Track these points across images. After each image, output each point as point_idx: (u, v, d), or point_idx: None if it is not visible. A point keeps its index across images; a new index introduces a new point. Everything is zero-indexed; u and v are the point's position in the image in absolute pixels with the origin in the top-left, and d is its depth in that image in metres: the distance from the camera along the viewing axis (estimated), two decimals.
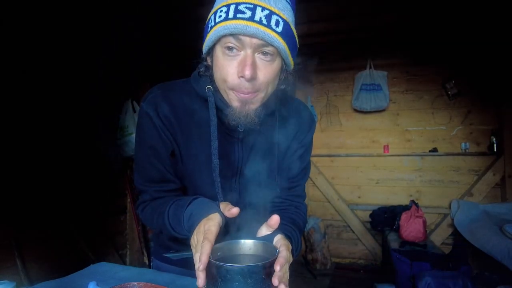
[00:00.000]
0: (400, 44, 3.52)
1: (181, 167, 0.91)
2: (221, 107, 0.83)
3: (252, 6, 0.69)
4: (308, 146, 1.00)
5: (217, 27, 0.71)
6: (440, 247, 3.24)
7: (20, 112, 2.08)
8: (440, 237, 3.49)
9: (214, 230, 0.68)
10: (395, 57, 3.66)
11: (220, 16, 0.71)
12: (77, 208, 2.47)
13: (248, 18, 0.68)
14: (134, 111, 2.90)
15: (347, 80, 3.89)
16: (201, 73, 0.86)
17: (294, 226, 0.89)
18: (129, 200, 3.08)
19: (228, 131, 0.88)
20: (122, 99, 2.91)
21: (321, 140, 4.00)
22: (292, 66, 0.81)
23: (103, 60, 2.67)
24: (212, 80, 0.83)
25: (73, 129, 2.47)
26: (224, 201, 0.80)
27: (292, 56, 0.78)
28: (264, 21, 0.69)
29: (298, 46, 0.79)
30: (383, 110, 3.71)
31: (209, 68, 0.83)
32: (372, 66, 3.64)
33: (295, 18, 0.78)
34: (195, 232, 0.71)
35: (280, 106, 0.92)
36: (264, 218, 0.77)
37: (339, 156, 3.93)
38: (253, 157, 0.92)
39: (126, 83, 2.92)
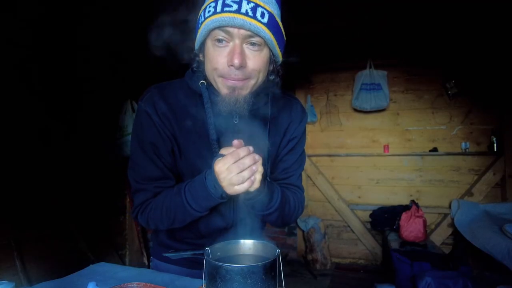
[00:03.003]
0: (400, 44, 3.51)
1: (181, 163, 0.92)
2: (215, 100, 0.85)
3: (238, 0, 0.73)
4: (301, 137, 1.03)
5: (207, 21, 0.76)
6: (441, 247, 3.24)
7: (20, 113, 2.08)
8: (440, 237, 3.48)
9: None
10: (395, 57, 3.65)
11: (209, 12, 0.76)
12: (77, 208, 2.47)
13: (234, 10, 0.73)
14: (134, 111, 2.90)
15: (347, 79, 3.88)
16: (194, 69, 0.89)
17: (276, 184, 0.93)
18: (128, 200, 3.07)
19: (224, 124, 0.90)
20: (122, 99, 2.91)
21: (321, 140, 3.99)
22: (280, 58, 0.84)
23: (103, 60, 2.67)
24: (205, 75, 0.86)
25: (72, 129, 2.47)
26: None
27: (280, 48, 0.81)
28: (250, 13, 0.73)
29: (285, 38, 0.83)
30: (383, 110, 3.70)
31: (201, 63, 0.86)
32: (372, 65, 3.63)
33: (281, 13, 0.81)
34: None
35: (273, 98, 0.94)
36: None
37: (339, 156, 3.92)
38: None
39: (126, 83, 2.92)
